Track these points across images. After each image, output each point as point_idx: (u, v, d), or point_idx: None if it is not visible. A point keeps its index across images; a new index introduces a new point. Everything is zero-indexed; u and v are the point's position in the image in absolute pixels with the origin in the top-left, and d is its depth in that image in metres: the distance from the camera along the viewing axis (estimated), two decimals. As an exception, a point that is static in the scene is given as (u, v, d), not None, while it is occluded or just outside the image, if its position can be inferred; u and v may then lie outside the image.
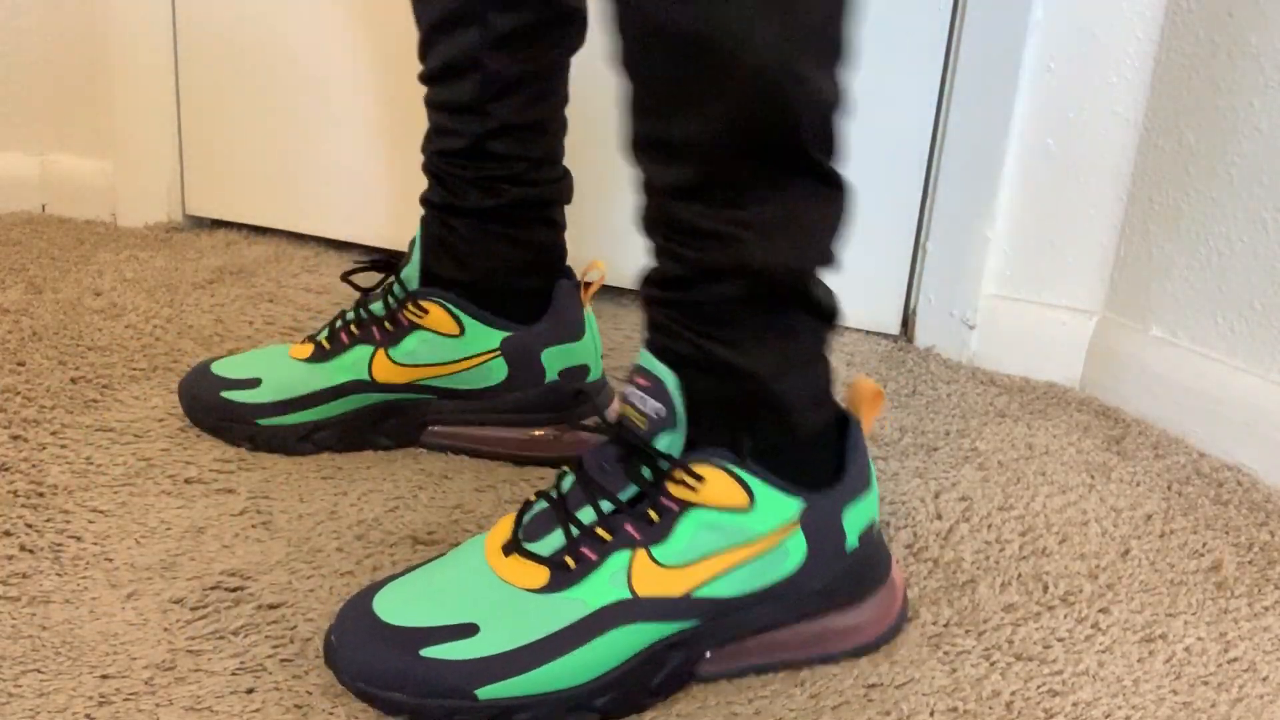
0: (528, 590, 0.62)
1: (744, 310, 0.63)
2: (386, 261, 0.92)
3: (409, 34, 1.28)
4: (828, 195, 0.62)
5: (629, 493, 0.63)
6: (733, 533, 0.62)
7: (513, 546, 0.63)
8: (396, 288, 0.89)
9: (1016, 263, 1.15)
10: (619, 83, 0.61)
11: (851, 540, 0.67)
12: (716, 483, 0.62)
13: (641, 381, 0.63)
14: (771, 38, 0.56)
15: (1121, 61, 1.07)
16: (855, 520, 0.67)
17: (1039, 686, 0.68)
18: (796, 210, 0.61)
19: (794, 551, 0.64)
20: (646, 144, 0.61)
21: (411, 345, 0.88)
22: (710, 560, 0.62)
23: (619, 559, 0.62)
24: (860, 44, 1.16)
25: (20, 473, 0.84)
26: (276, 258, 1.34)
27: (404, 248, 1.36)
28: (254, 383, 0.90)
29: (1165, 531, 0.86)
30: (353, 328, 0.90)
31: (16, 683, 0.63)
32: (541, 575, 0.62)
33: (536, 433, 0.90)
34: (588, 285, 0.90)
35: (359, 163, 1.35)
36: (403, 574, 0.65)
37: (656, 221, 0.63)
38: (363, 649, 0.61)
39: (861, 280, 1.21)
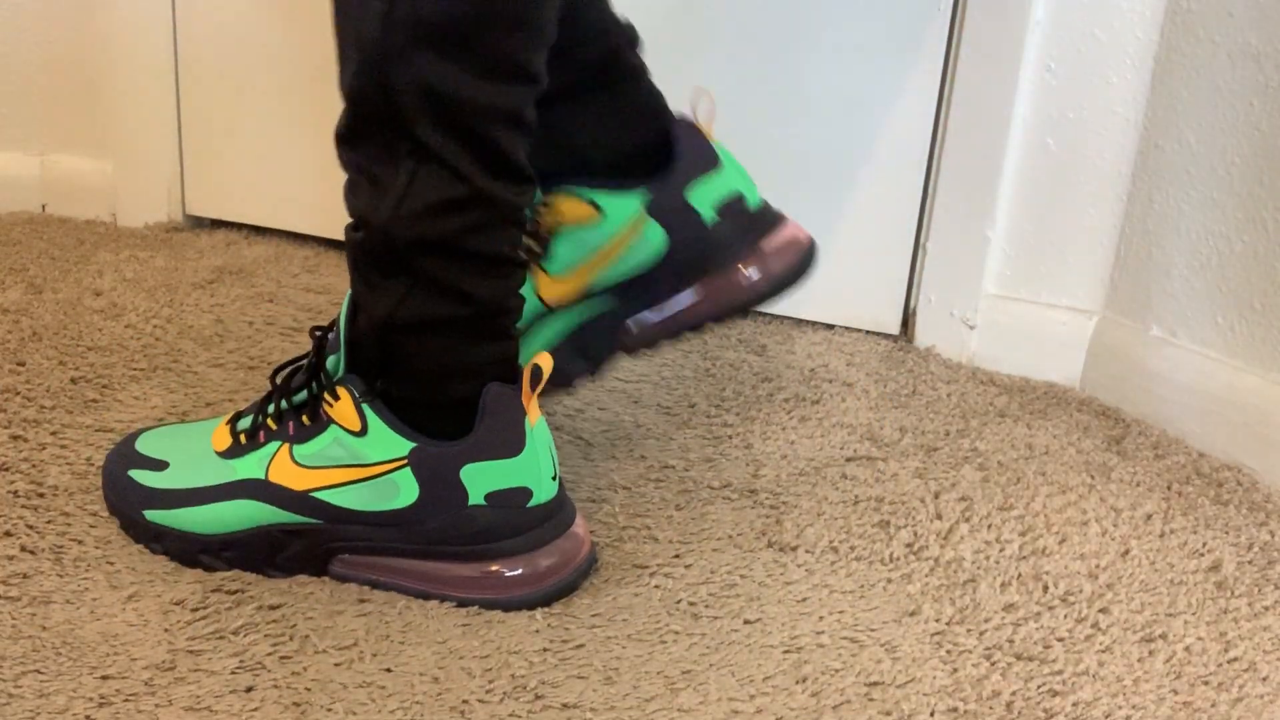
0: (214, 451, 0.76)
1: (364, 258, 0.73)
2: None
3: (409, 34, 1.28)
4: (383, 156, 0.72)
5: (301, 397, 0.74)
6: (351, 453, 0.72)
7: (237, 417, 0.77)
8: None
9: (1016, 263, 1.15)
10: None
11: (474, 496, 0.73)
12: (343, 406, 0.72)
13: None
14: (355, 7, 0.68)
15: (1121, 61, 1.07)
16: (478, 479, 0.73)
17: (1039, 686, 0.68)
18: (365, 166, 0.73)
19: (404, 488, 0.72)
20: None
21: (561, 251, 0.84)
22: (329, 471, 0.73)
23: (271, 447, 0.74)
24: (861, 44, 1.16)
25: (20, 473, 0.84)
26: (276, 258, 1.34)
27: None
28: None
29: (1165, 531, 0.86)
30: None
31: (17, 683, 0.63)
32: (226, 442, 0.76)
33: (736, 275, 0.85)
34: (700, 118, 0.86)
35: (359, 163, 1.35)
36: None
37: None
38: (110, 462, 0.78)
39: (861, 280, 1.21)
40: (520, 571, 0.73)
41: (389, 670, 0.66)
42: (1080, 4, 1.07)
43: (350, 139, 0.73)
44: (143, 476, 0.77)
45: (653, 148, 0.84)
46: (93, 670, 0.64)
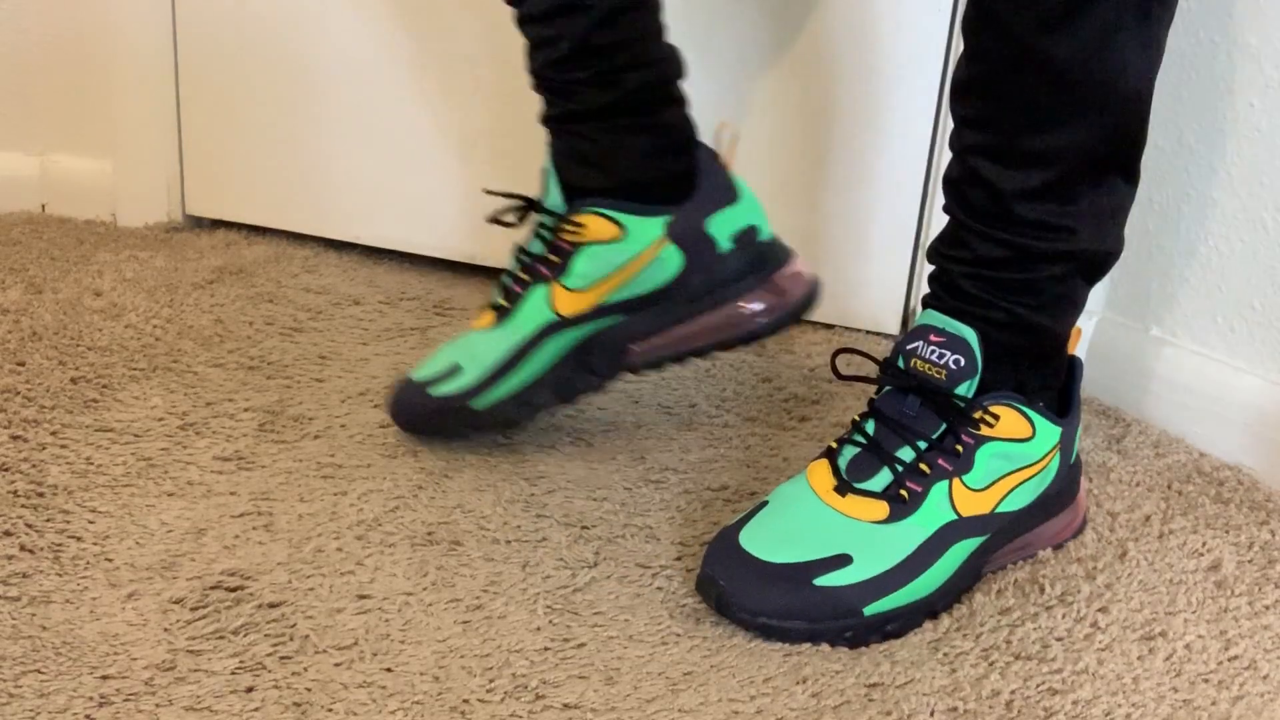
0: (874, 522, 0.73)
1: (1058, 285, 0.76)
2: (525, 202, 0.91)
3: (409, 34, 1.28)
4: (1129, 190, 0.76)
5: (938, 432, 0.75)
6: (1018, 458, 0.76)
7: (846, 488, 0.74)
8: (545, 218, 0.88)
9: (1016, 262, 1.15)
10: (955, 98, 0.75)
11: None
12: (1008, 420, 0.75)
13: (935, 339, 0.75)
14: (1144, 68, 0.71)
15: (1121, 61, 1.07)
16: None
17: (1039, 685, 0.68)
18: (1112, 203, 0.75)
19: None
20: (997, 151, 0.73)
21: (581, 266, 0.87)
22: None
23: (940, 488, 0.74)
24: (861, 44, 1.15)
25: (20, 473, 0.84)
26: (276, 258, 1.34)
27: (403, 247, 1.36)
28: (455, 370, 0.89)
29: (1165, 531, 0.86)
30: (522, 275, 0.89)
31: (17, 683, 0.63)
32: (881, 509, 0.73)
33: (743, 305, 0.89)
34: (723, 150, 0.90)
35: (359, 162, 1.35)
36: (745, 520, 0.74)
37: (991, 216, 0.75)
38: (756, 589, 0.70)
39: (861, 280, 1.21)
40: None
41: (389, 670, 0.66)
42: (1080, 4, 1.07)
43: None
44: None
45: (679, 175, 0.88)
46: (93, 670, 0.64)
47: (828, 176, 1.20)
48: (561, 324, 0.88)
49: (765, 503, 0.76)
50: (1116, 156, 0.74)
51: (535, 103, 1.19)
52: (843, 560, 0.71)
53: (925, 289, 0.85)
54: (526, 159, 1.06)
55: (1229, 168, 1.00)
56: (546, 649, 0.69)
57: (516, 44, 1.27)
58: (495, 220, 0.91)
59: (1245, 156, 0.99)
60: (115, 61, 1.39)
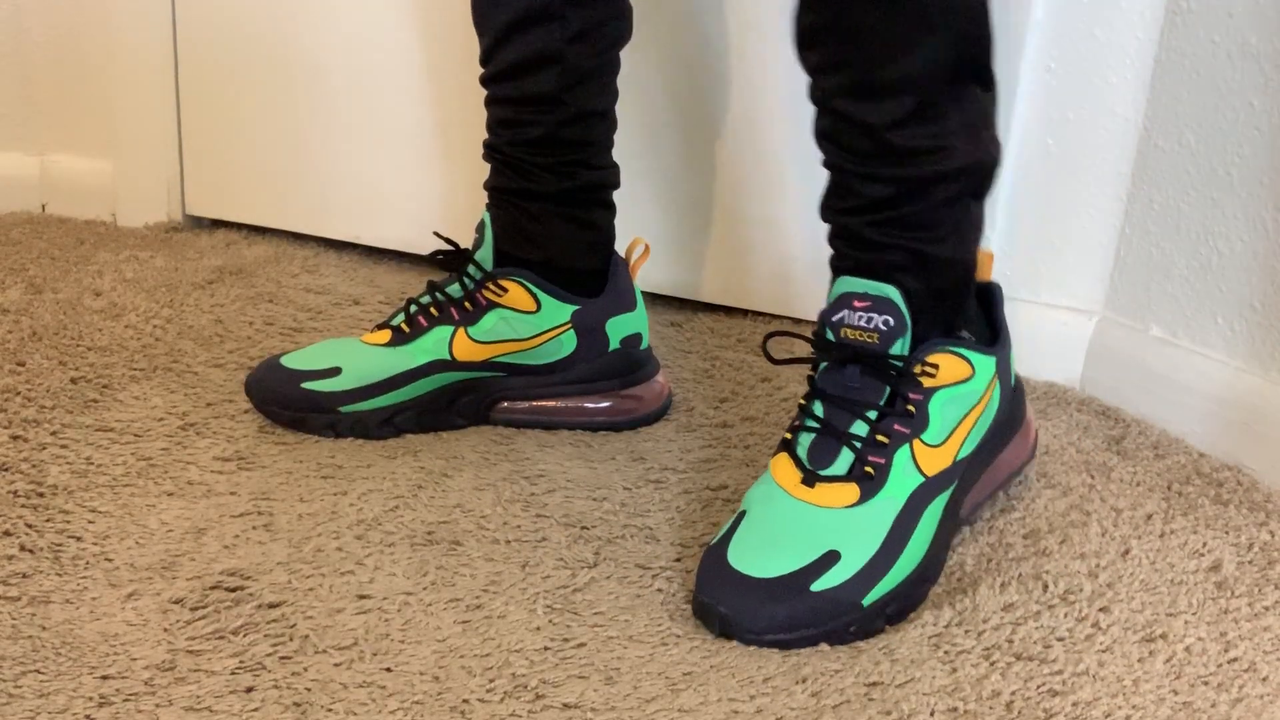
0: (849, 508, 0.72)
1: (946, 209, 0.75)
2: (457, 251, 0.97)
3: (408, 34, 1.28)
4: (989, 96, 0.77)
5: (884, 398, 0.74)
6: (967, 398, 0.76)
7: (812, 478, 0.73)
8: (473, 269, 0.94)
9: (1016, 263, 1.15)
10: (802, 48, 0.75)
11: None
12: (947, 365, 0.75)
13: (859, 304, 0.74)
14: None
15: (1121, 61, 1.07)
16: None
17: (1039, 686, 0.68)
18: (978, 112, 0.76)
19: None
20: (855, 91, 0.73)
21: (491, 323, 0.94)
22: (961, 426, 0.77)
23: (902, 454, 0.73)
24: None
25: (20, 473, 0.84)
26: (276, 258, 1.34)
27: (403, 247, 1.36)
28: (334, 371, 0.92)
29: (1165, 531, 0.86)
30: (431, 310, 0.94)
31: (16, 683, 0.63)
32: (852, 492, 0.73)
33: (602, 401, 0.97)
34: (633, 260, 0.99)
35: (359, 163, 1.35)
36: (728, 536, 0.73)
37: (867, 155, 0.74)
38: (760, 607, 0.69)
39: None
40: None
41: (389, 670, 0.66)
42: (1080, 4, 1.07)
43: None
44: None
45: (595, 272, 0.97)
46: (93, 670, 0.64)
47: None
48: (451, 365, 0.94)
49: (743, 513, 0.75)
50: (969, 66, 0.74)
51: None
52: (832, 558, 0.71)
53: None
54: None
55: (1229, 168, 1.00)
56: (546, 649, 0.69)
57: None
58: (434, 260, 0.97)
59: (1245, 156, 0.99)
60: (115, 61, 1.39)
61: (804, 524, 0.72)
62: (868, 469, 0.73)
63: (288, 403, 0.92)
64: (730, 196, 1.23)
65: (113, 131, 1.42)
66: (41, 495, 0.81)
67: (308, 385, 0.92)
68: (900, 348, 0.74)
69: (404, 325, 0.94)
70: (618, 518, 0.84)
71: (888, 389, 0.75)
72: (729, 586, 0.70)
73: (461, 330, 0.93)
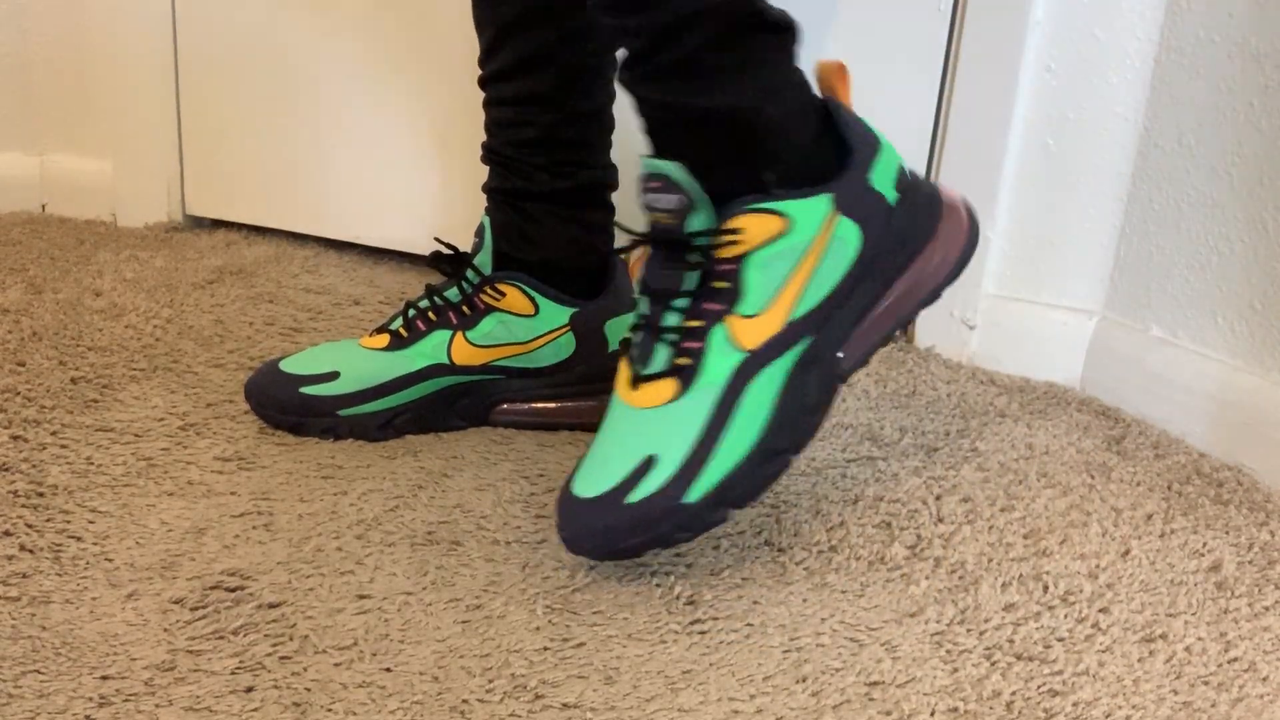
0: (665, 405, 0.70)
1: (709, 54, 0.68)
2: (456, 256, 0.97)
3: (408, 35, 1.28)
4: None
5: (693, 279, 0.70)
6: (790, 253, 0.70)
7: (637, 379, 0.71)
8: (471, 274, 0.94)
9: (1016, 263, 1.16)
10: None
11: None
12: (754, 225, 0.69)
13: (653, 185, 0.70)
14: None
15: (1121, 61, 1.07)
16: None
17: (1040, 686, 0.68)
18: None
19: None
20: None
21: (489, 327, 0.93)
22: (790, 285, 0.70)
23: (718, 334, 0.69)
24: (862, 45, 1.15)
25: (20, 473, 0.84)
26: (276, 258, 1.34)
27: (403, 247, 1.36)
28: (332, 376, 0.92)
29: (1165, 531, 0.86)
30: (430, 314, 0.94)
31: (16, 683, 0.63)
32: (669, 387, 0.70)
33: (593, 403, 0.96)
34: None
35: (359, 163, 1.35)
36: (580, 462, 0.73)
37: (619, 7, 0.68)
38: (588, 530, 0.70)
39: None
40: (949, 239, 0.79)
41: (389, 670, 0.66)
42: (1080, 4, 1.07)
43: None
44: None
45: (595, 272, 0.96)
46: (93, 670, 0.64)
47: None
48: (449, 369, 0.94)
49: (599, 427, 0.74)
50: None
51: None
52: (649, 464, 0.69)
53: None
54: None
55: (1229, 168, 1.00)
56: (546, 649, 0.69)
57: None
58: (433, 264, 0.97)
59: (1245, 156, 0.99)
60: (115, 61, 1.39)
61: (627, 431, 0.71)
62: (680, 360, 0.70)
63: (286, 407, 0.92)
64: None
65: (113, 131, 1.42)
66: (41, 495, 0.81)
67: (306, 390, 0.92)
68: (701, 222, 0.70)
69: (402, 330, 0.94)
70: (618, 518, 0.84)
71: (694, 272, 0.70)
72: (566, 510, 0.72)
73: (460, 334, 0.93)
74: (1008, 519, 0.86)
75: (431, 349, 0.93)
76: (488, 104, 0.95)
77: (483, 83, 0.94)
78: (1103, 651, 0.71)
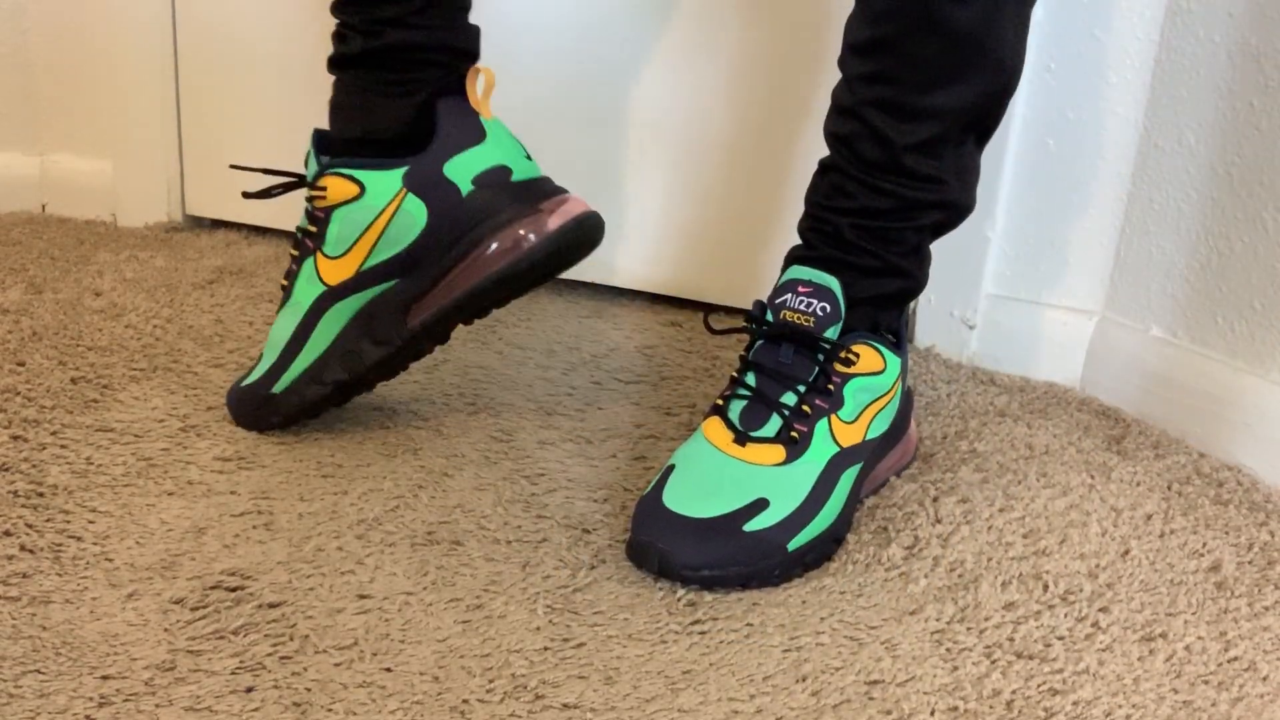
0: (776, 465, 0.79)
1: (917, 234, 0.85)
2: (298, 180, 0.91)
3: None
4: (978, 152, 0.86)
5: (813, 375, 0.82)
6: (876, 389, 0.84)
7: (744, 438, 0.80)
8: (307, 190, 0.89)
9: (1016, 263, 1.16)
10: (851, 55, 0.82)
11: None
12: (866, 357, 0.83)
13: (803, 289, 0.82)
14: (1016, 43, 0.81)
15: (1121, 61, 1.07)
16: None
17: (1040, 685, 0.68)
18: (970, 161, 0.85)
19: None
20: (891, 107, 0.80)
21: (334, 231, 0.87)
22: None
23: (822, 425, 0.81)
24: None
25: (20, 473, 0.84)
26: (276, 258, 1.34)
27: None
28: (259, 359, 0.93)
29: (1165, 531, 0.86)
30: (294, 251, 0.91)
31: (17, 683, 0.63)
32: (779, 452, 0.80)
33: (494, 243, 0.86)
34: (476, 95, 0.89)
35: (359, 163, 1.35)
36: (661, 484, 0.79)
37: (874, 165, 0.82)
38: (694, 545, 0.75)
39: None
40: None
41: (389, 670, 0.66)
42: (1080, 4, 1.07)
43: None
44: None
45: (423, 130, 0.88)
46: (93, 670, 0.64)
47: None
48: (332, 294, 0.88)
49: (672, 466, 0.81)
50: (984, 120, 0.83)
51: (534, 104, 1.19)
52: (761, 504, 0.77)
53: (925, 289, 0.87)
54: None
55: (1229, 168, 1.00)
56: (546, 649, 0.69)
57: (517, 43, 1.27)
58: (271, 195, 0.92)
59: (1245, 156, 0.99)
60: (115, 61, 1.39)
61: (735, 475, 0.79)
62: (793, 433, 0.80)
63: (237, 406, 0.93)
64: (732, 196, 1.23)
65: (113, 131, 1.42)
66: (41, 495, 0.81)
67: (242, 382, 0.93)
68: (831, 333, 0.82)
69: (284, 281, 0.91)
70: (618, 519, 0.84)
71: (816, 368, 0.82)
72: (666, 526, 0.76)
73: (320, 254, 0.88)
74: (1007, 519, 0.86)
75: (307, 284, 0.89)
76: None
77: None
78: (1103, 650, 0.71)
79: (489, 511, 0.83)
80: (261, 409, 0.92)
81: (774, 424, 0.80)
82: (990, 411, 1.06)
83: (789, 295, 0.83)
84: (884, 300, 0.86)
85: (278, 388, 0.91)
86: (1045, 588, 0.78)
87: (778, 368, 0.82)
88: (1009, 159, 1.13)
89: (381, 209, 0.86)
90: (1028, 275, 1.15)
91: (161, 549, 0.76)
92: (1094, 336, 1.12)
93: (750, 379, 0.82)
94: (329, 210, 0.88)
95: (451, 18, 0.89)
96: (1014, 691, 0.67)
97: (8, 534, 0.76)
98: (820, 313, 0.82)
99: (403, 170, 0.86)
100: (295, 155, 1.38)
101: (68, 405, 0.95)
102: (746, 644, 0.70)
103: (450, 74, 0.89)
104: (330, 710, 0.63)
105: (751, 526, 0.76)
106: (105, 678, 0.64)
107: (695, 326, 1.21)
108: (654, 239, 1.25)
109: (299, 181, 0.92)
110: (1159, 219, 1.06)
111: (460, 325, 0.90)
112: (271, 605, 0.71)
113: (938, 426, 1.01)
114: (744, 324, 0.84)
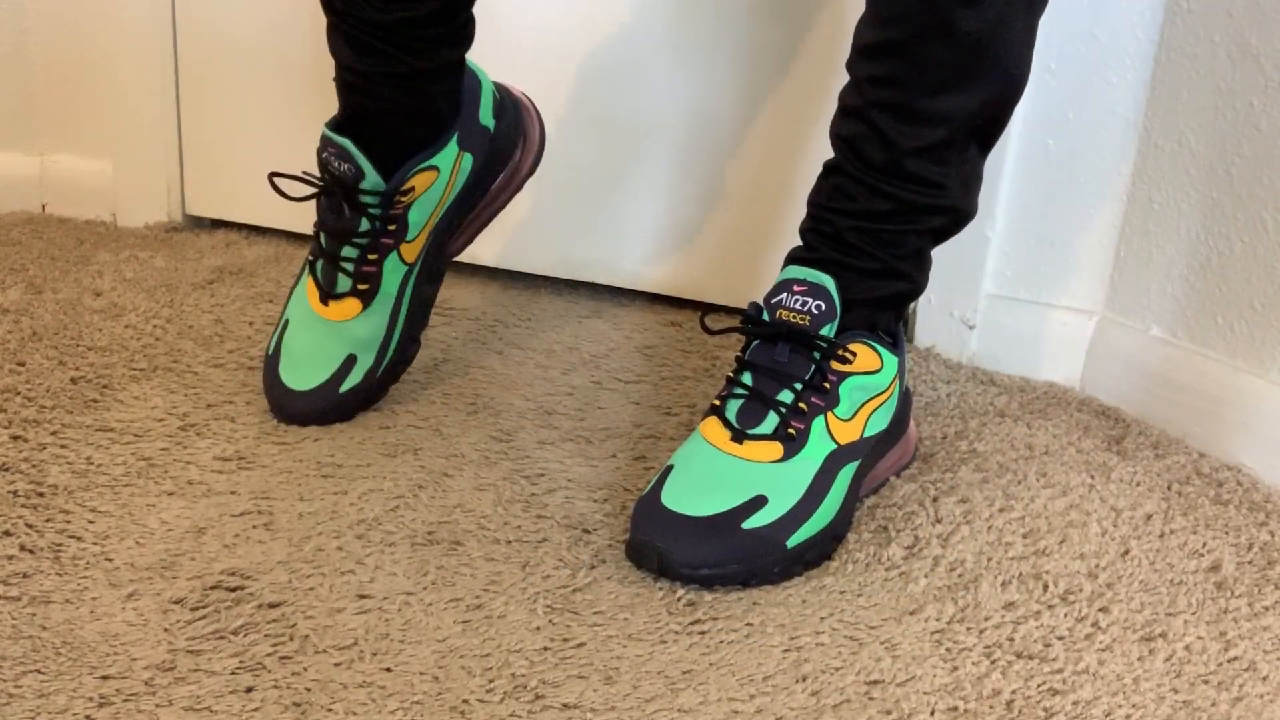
0: (773, 462, 0.79)
1: (918, 238, 0.85)
2: (337, 189, 0.93)
3: (409, 34, 1.28)
4: (981, 159, 0.86)
5: (809, 373, 0.81)
6: (872, 388, 0.84)
7: (741, 436, 0.80)
8: (369, 198, 0.92)
9: (1016, 263, 1.15)
10: (860, 58, 0.82)
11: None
12: (863, 356, 0.83)
13: (798, 289, 0.82)
14: (1023, 50, 0.82)
15: (1121, 61, 1.07)
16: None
17: (1040, 685, 0.68)
18: (973, 168, 0.85)
19: (894, 394, 0.87)
20: (898, 110, 0.80)
21: (414, 218, 0.96)
22: (862, 410, 0.84)
23: (819, 423, 0.81)
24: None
25: (20, 473, 0.84)
26: (276, 258, 1.34)
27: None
28: (352, 361, 0.96)
29: (1165, 531, 0.86)
30: (370, 256, 0.95)
31: (17, 683, 0.63)
32: (776, 449, 0.80)
33: (515, 164, 1.02)
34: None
35: (359, 163, 1.35)
36: (660, 484, 0.79)
37: (878, 168, 0.82)
38: (692, 543, 0.75)
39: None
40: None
41: (389, 670, 0.66)
42: (1080, 4, 1.07)
43: None
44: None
45: (458, 98, 0.96)
46: (93, 670, 0.64)
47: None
48: (411, 269, 0.98)
49: (671, 466, 0.81)
50: (988, 127, 0.84)
51: (535, 103, 1.18)
52: (759, 501, 0.78)
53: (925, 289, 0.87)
54: (526, 159, 1.06)
55: (1229, 168, 1.00)
56: (546, 649, 0.69)
57: (516, 41, 1.27)
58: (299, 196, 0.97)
59: (1245, 156, 0.99)
60: (115, 61, 1.39)
61: (733, 473, 0.79)
62: (790, 430, 0.80)
63: (339, 408, 0.96)
64: (732, 196, 1.23)
65: (113, 131, 1.42)
66: (41, 495, 0.81)
67: (342, 387, 0.95)
68: (828, 331, 0.82)
69: (363, 285, 0.95)
70: (618, 519, 0.84)
71: (813, 366, 0.82)
72: (665, 525, 0.76)
73: (405, 244, 0.96)
74: (1007, 519, 0.86)
75: (394, 273, 0.96)
76: None
77: None
78: (1103, 650, 0.71)
79: (489, 511, 0.83)
80: (358, 404, 0.97)
81: (771, 421, 0.81)
82: (990, 411, 1.06)
83: (784, 294, 0.83)
84: (883, 302, 0.86)
85: (379, 373, 0.97)
86: (1045, 588, 0.78)
87: (774, 366, 0.82)
88: (1009, 159, 1.13)
89: (448, 179, 0.96)
90: (1028, 275, 1.15)
91: (161, 549, 0.76)
92: (1094, 336, 1.12)
93: (746, 378, 0.83)
94: (409, 205, 0.95)
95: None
96: (1014, 691, 0.67)
97: (8, 534, 0.76)
98: (815, 311, 0.82)
99: (455, 136, 0.95)
100: (296, 155, 1.37)
101: (68, 405, 0.95)
102: (746, 644, 0.70)
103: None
104: (330, 710, 0.63)
105: (750, 524, 0.77)
106: (105, 678, 0.64)
107: (695, 326, 1.21)
108: (654, 239, 1.25)
109: (336, 186, 0.92)
110: (1159, 219, 1.06)
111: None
112: (271, 605, 0.71)
113: (938, 426, 1.01)
114: (740, 324, 0.85)
